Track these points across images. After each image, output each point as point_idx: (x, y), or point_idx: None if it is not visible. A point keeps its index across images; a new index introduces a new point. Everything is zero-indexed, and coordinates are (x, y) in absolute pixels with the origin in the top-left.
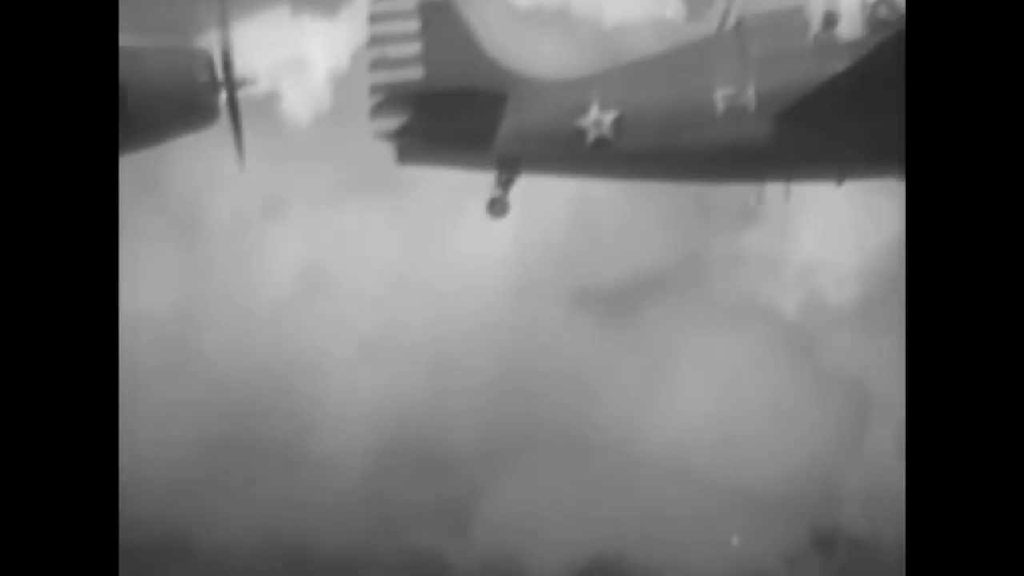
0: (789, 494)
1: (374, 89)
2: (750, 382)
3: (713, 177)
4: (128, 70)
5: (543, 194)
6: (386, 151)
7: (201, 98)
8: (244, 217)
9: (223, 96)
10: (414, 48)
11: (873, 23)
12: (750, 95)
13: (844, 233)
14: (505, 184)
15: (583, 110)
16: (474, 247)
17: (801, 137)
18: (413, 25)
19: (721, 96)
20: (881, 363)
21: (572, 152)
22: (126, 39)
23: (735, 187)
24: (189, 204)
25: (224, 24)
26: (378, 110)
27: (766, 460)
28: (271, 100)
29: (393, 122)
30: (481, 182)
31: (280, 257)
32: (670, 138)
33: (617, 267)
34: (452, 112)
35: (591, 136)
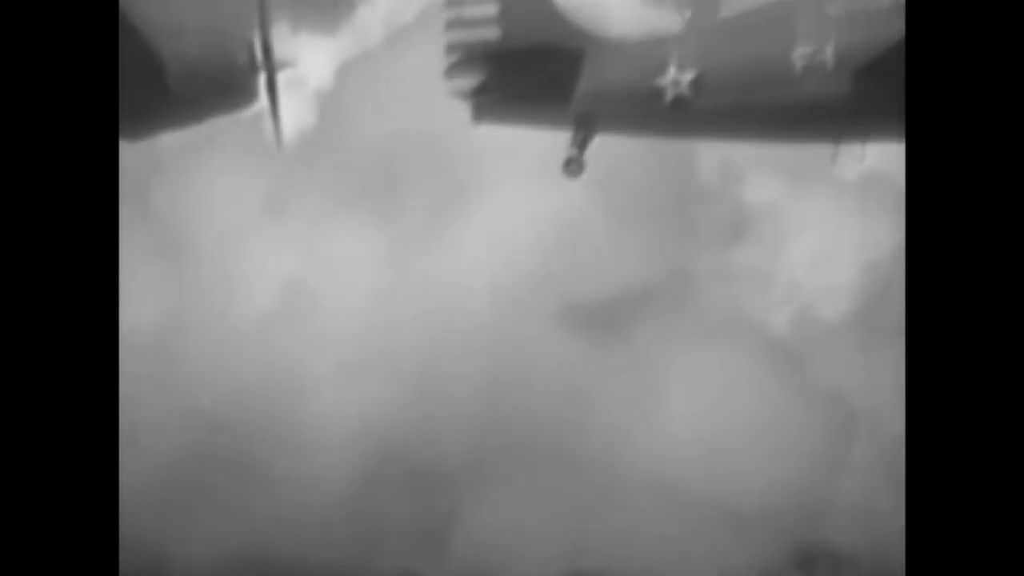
0: (774, 511)
1: (450, 48)
2: (737, 398)
3: (789, 136)
4: (169, 49)
5: (527, 209)
6: (370, 168)
7: (240, 80)
8: (229, 233)
9: (262, 78)
10: (491, 8)
11: None
12: (828, 54)
13: (833, 249)
14: (581, 143)
15: (661, 69)
16: (459, 263)
17: (878, 96)
18: None
19: (800, 55)
20: (869, 379)
21: (650, 111)
22: (168, 19)
23: (814, 146)
24: (174, 220)
25: (264, 8)
26: (454, 69)
27: (752, 476)
28: (259, 118)
29: (469, 81)
30: (464, 194)
31: (265, 273)
32: (748, 97)
33: (604, 283)
34: (528, 71)
35: (669, 95)
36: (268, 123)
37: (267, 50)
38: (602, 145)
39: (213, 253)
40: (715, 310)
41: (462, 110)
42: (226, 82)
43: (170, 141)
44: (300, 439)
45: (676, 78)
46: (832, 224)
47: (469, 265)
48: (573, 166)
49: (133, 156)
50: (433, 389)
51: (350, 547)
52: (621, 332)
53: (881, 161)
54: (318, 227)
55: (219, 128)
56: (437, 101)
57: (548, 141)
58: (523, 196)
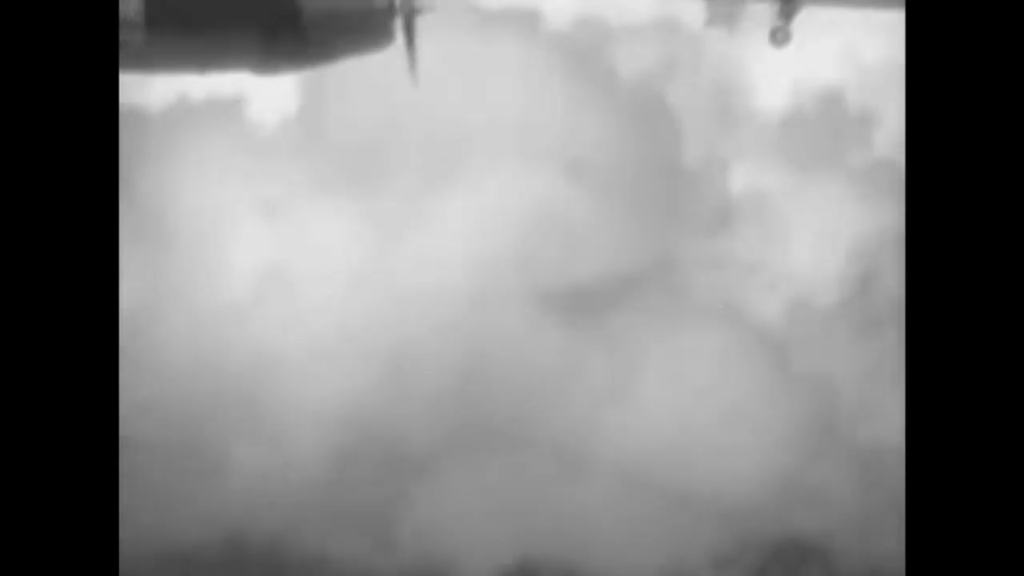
0: (743, 500)
1: None
2: (715, 386)
3: None
4: None
5: (509, 193)
6: (350, 153)
7: (378, 22)
8: (207, 218)
9: (399, 20)
10: None
11: None
12: None
13: (820, 238)
14: (787, 14)
15: None
16: (439, 245)
17: None
18: None
19: None
20: (854, 369)
21: None
22: None
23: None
24: (152, 204)
25: None
26: None
27: (725, 465)
28: (239, 103)
29: None
30: (446, 177)
31: (242, 258)
32: None
33: (585, 268)
34: None
35: None
36: (404, 63)
37: None
38: (585, 131)
39: (190, 237)
40: (698, 297)
41: (443, 95)
42: (363, 24)
43: (151, 125)
44: (274, 423)
45: None
46: (820, 212)
47: (449, 248)
48: (780, 35)
49: None
50: (409, 373)
51: (323, 530)
52: (601, 318)
53: (880, 149)
54: (296, 211)
55: (201, 113)
56: (418, 86)
57: (534, 125)
58: (505, 180)
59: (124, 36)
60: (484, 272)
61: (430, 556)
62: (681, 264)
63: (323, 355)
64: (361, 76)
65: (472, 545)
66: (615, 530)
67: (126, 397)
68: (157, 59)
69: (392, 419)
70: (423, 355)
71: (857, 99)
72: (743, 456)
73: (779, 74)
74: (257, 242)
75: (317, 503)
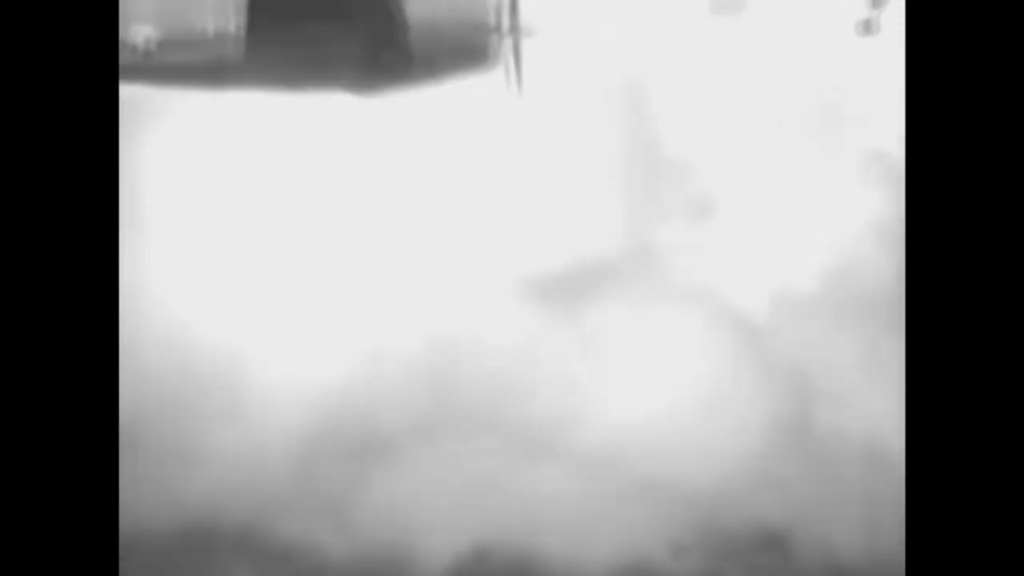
0: (712, 490)
1: None
2: (692, 376)
3: None
4: (413, 8)
5: (483, 174)
6: (329, 142)
7: (483, 42)
8: (181, 206)
9: (506, 42)
10: None
11: None
12: None
13: (801, 226)
14: (877, 3)
15: None
16: (413, 228)
17: None
18: None
19: None
20: (830, 360)
21: None
22: None
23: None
24: (129, 189)
25: None
26: None
27: (695, 455)
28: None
29: None
30: (421, 161)
31: (212, 245)
32: None
33: (562, 254)
34: None
35: None
36: (507, 82)
37: (514, 12)
38: (566, 116)
39: (164, 227)
40: (676, 285)
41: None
42: (469, 44)
43: (131, 107)
44: (244, 406)
45: None
46: (804, 203)
47: (422, 234)
48: (869, 26)
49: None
50: (381, 360)
51: (289, 517)
52: (577, 305)
53: (871, 141)
54: (272, 194)
55: (182, 96)
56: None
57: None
58: (479, 163)
59: (224, 51)
60: (459, 257)
61: (389, 541)
62: (659, 251)
63: (294, 339)
64: None
65: (432, 531)
66: (578, 517)
67: None
68: (255, 76)
69: (363, 405)
70: (397, 341)
71: (848, 90)
72: (713, 445)
73: (771, 63)
74: (230, 227)
75: (284, 491)
